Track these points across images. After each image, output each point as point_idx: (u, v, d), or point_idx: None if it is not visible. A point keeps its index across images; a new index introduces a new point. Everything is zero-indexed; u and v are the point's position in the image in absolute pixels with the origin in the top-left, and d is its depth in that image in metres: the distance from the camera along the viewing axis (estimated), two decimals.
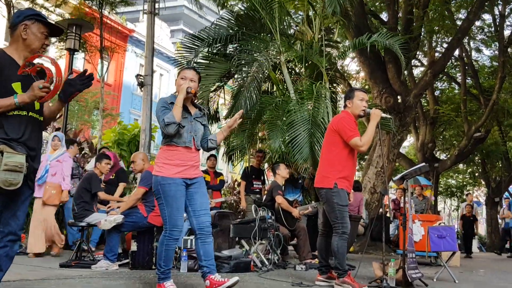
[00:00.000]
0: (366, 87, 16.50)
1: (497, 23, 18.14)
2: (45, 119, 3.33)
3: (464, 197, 24.91)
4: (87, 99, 21.17)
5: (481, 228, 21.25)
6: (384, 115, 5.37)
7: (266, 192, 8.71)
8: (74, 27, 10.31)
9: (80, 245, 6.54)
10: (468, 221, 14.28)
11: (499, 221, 17.59)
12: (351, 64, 21.46)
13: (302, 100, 8.93)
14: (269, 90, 10.88)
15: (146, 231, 6.12)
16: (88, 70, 3.25)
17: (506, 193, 23.27)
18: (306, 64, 9.90)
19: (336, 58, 10.99)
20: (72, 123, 20.16)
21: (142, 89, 10.28)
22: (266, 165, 11.41)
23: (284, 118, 8.76)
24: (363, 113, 5.22)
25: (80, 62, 24.38)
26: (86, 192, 6.65)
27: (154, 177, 4.12)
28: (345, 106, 5.34)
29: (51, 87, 3.00)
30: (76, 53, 10.70)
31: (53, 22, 3.93)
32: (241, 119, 4.37)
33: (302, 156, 8.29)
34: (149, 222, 6.03)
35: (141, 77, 10.14)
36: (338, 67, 15.20)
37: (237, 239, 7.44)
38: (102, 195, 6.92)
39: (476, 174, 28.37)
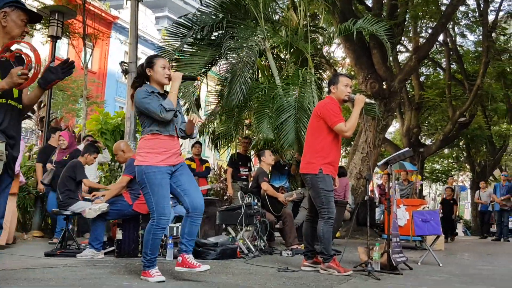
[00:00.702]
0: (352, 73, 16.52)
1: (481, 8, 18.20)
2: (24, 107, 3.29)
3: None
4: (72, 88, 20.95)
5: (467, 212, 21.43)
6: (368, 100, 5.37)
7: (252, 178, 8.72)
8: (57, 14, 10.18)
9: (65, 234, 6.50)
10: (449, 205, 14.31)
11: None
12: (337, 51, 21.42)
13: (288, 86, 8.92)
14: (255, 76, 10.84)
15: (131, 219, 6.10)
16: (70, 59, 3.21)
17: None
18: (291, 50, 9.88)
19: (322, 44, 10.97)
20: (57, 111, 19.96)
21: (127, 76, 10.19)
22: (252, 151, 11.40)
23: (270, 105, 8.75)
24: (347, 98, 5.23)
25: (64, 49, 24.13)
26: (71, 180, 6.59)
27: (137, 167, 4.10)
28: (329, 91, 5.34)
29: (30, 74, 2.96)
30: (59, 40, 10.56)
31: (33, 9, 3.87)
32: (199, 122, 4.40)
33: (288, 141, 8.30)
34: (135, 210, 6.01)
35: (125, 64, 10.04)
36: (324, 53, 15.20)
37: (223, 226, 7.45)
38: (87, 182, 6.87)
39: (461, 159, 28.63)
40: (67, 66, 3.17)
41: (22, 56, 3.10)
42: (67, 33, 14.39)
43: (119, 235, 6.10)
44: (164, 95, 4.22)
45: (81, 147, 8.89)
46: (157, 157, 4.08)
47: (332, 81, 5.33)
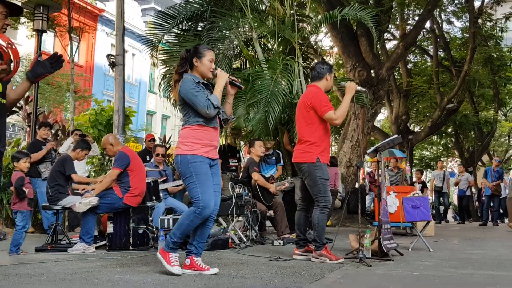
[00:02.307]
0: (340, 62, 16.54)
1: None
2: (10, 101, 3.25)
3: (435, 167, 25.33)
4: (59, 82, 20.76)
5: (456, 198, 21.59)
6: (359, 88, 5.39)
7: (242, 169, 8.71)
8: (42, 8, 10.07)
9: (56, 229, 6.48)
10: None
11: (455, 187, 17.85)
12: (325, 40, 21.43)
13: (268, 70, 8.90)
14: (243, 67, 10.81)
15: (122, 212, 6.08)
16: (58, 52, 3.17)
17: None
18: (279, 40, 9.85)
19: (309, 33, 10.95)
20: (45, 106, 19.80)
21: (114, 69, 10.12)
22: (242, 142, 11.39)
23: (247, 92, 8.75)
24: (337, 85, 5.27)
25: (50, 43, 23.90)
26: (60, 175, 6.55)
27: (181, 156, 4.02)
28: (320, 79, 5.29)
29: (11, 68, 2.91)
30: (45, 33, 10.46)
31: (17, 2, 3.81)
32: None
33: (254, 124, 8.33)
34: (125, 203, 5.99)
35: (112, 57, 9.98)
36: (312, 42, 15.19)
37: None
38: (76, 177, 6.83)
39: (450, 145, 28.81)
40: (56, 60, 3.14)
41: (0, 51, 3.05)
42: (53, 27, 14.25)
43: (110, 228, 6.09)
44: (208, 85, 4.19)
45: (69, 140, 8.87)
46: (202, 148, 4.06)
47: (326, 71, 5.36)
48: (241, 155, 10.15)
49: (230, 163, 9.51)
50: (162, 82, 10.09)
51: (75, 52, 14.86)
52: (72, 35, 13.92)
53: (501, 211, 15.75)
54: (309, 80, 10.59)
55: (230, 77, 4.31)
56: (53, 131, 11.16)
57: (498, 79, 20.65)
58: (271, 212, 7.58)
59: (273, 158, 9.20)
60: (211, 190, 4.05)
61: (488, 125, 23.39)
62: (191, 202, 4.05)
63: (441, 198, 16.44)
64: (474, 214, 18.37)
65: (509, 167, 30.52)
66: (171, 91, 9.58)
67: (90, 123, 11.14)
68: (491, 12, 19.95)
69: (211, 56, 4.22)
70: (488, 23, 20.28)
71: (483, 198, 16.97)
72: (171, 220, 6.61)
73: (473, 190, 17.81)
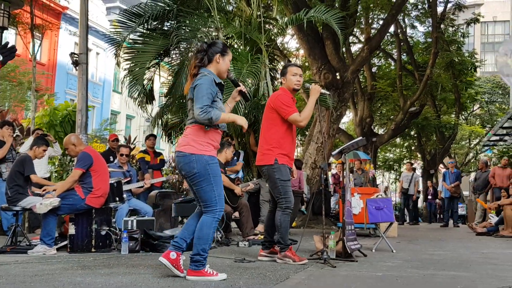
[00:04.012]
0: (306, 64, 16.65)
1: (430, 0, 18.62)
2: None
3: (402, 169, 25.73)
4: (20, 80, 20.28)
5: (419, 200, 22.08)
6: (323, 91, 5.42)
7: None
8: (3, 4, 9.80)
9: (15, 230, 6.31)
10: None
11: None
12: (291, 42, 21.56)
13: (236, 62, 8.90)
14: None
15: (84, 213, 5.96)
16: (9, 42, 3.09)
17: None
18: (246, 41, 9.86)
19: (275, 35, 10.99)
20: (5, 104, 19.31)
21: (77, 68, 9.93)
22: None
23: None
24: (297, 87, 5.25)
25: (11, 41, 23.33)
26: (20, 175, 6.39)
27: (197, 156, 3.86)
28: (281, 83, 5.37)
29: None
30: (6, 31, 10.18)
31: None
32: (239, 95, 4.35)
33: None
34: (87, 204, 5.87)
35: (76, 56, 9.78)
36: (278, 44, 15.24)
37: (179, 218, 7.39)
38: (34, 178, 6.66)
39: (413, 148, 29.36)
40: (8, 50, 3.06)
41: None
42: (14, 24, 13.91)
43: (71, 230, 5.96)
44: (223, 86, 4.09)
45: (30, 140, 8.66)
46: (213, 150, 3.97)
47: (282, 72, 5.37)
48: None
49: None
50: (124, 79, 9.96)
51: (37, 50, 14.55)
52: (34, 32, 13.63)
53: (464, 212, 16.05)
54: (276, 82, 10.66)
55: (243, 88, 4.27)
56: (17, 131, 10.89)
57: (459, 83, 21.16)
58: (237, 214, 7.57)
59: (234, 158, 9.19)
60: (223, 192, 4.01)
61: (449, 129, 23.93)
62: (203, 206, 3.94)
63: (407, 200, 16.72)
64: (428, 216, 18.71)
65: (470, 170, 31.28)
66: (135, 90, 9.48)
67: (45, 124, 10.88)
68: (453, 18, 20.45)
69: (231, 56, 4.18)
70: (450, 28, 20.79)
71: (430, 197, 17.36)
72: (134, 222, 6.53)
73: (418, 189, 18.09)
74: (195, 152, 3.87)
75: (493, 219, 11.20)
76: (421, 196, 22.82)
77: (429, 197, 16.92)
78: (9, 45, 3.05)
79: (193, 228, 3.97)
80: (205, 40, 9.19)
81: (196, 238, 3.89)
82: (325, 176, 9.87)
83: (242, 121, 4.06)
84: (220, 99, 4.02)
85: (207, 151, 3.90)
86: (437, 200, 19.07)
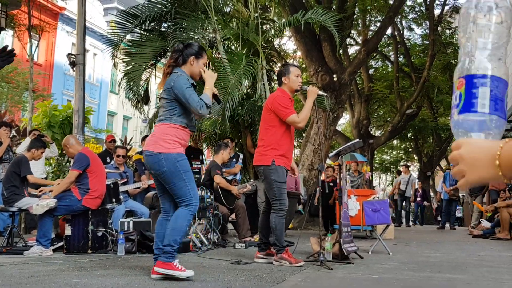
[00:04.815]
0: (303, 65, 16.65)
1: (428, 2, 18.66)
2: None
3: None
4: (18, 81, 20.22)
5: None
6: (320, 92, 5.42)
7: (204, 172, 8.67)
8: (0, 5, 9.81)
9: (11, 231, 6.30)
10: (329, 188, 11.53)
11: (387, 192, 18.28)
12: (288, 43, 21.60)
13: (231, 64, 8.92)
14: (207, 68, 10.76)
15: (80, 214, 5.95)
16: (8, 46, 3.08)
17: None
18: (243, 43, 9.86)
19: (273, 37, 11.00)
20: (2, 105, 19.26)
21: (74, 68, 9.92)
22: (204, 144, 11.34)
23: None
24: (299, 88, 5.27)
25: (8, 41, 23.29)
26: (16, 176, 6.38)
27: (166, 154, 3.89)
28: (281, 83, 5.34)
29: None
30: (3, 31, 10.19)
31: None
32: None
33: (214, 112, 8.38)
34: (84, 205, 5.87)
35: (73, 56, 9.78)
36: (275, 46, 15.26)
37: None
38: (32, 178, 6.66)
39: (409, 150, 29.39)
40: (6, 54, 3.05)
41: None
42: (12, 24, 13.90)
43: (68, 231, 5.95)
44: (195, 87, 4.13)
45: (27, 141, 8.64)
46: (181, 148, 4.01)
47: (284, 72, 5.33)
48: (204, 157, 10.10)
49: (193, 166, 9.43)
50: (122, 80, 9.96)
51: (35, 50, 14.53)
52: (31, 33, 13.61)
53: (461, 215, 16.08)
54: (273, 83, 10.67)
55: (215, 91, 4.28)
56: (14, 132, 10.86)
57: None
58: (233, 216, 7.57)
59: (233, 160, 9.19)
60: (195, 186, 4.04)
61: (446, 131, 23.97)
62: (179, 201, 3.96)
63: (404, 202, 16.76)
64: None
65: None
66: (132, 91, 9.47)
67: (44, 125, 10.84)
68: (450, 20, 20.49)
69: (205, 60, 4.23)
70: (447, 31, 20.82)
71: (419, 199, 17.37)
72: (131, 223, 6.53)
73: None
74: (163, 151, 3.91)
75: (483, 222, 11.23)
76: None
77: (418, 198, 16.93)
78: (8, 49, 3.03)
79: (163, 233, 3.99)
80: (202, 41, 9.22)
81: (169, 229, 3.92)
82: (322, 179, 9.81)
83: (213, 76, 4.20)
84: None
85: (175, 148, 3.95)
86: (425, 203, 19.08)
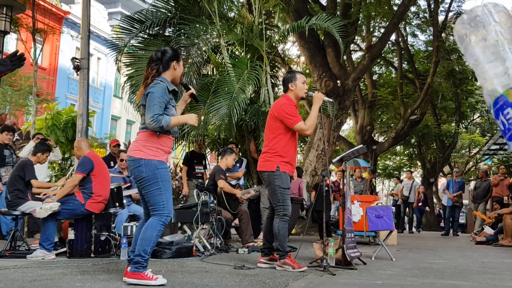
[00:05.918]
0: (307, 71, 16.68)
1: (432, 9, 18.68)
2: None
3: (403, 177, 25.64)
4: (22, 84, 20.28)
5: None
6: (326, 98, 5.43)
7: (208, 176, 8.68)
8: (5, 8, 9.82)
9: (15, 235, 6.30)
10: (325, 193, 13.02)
11: (390, 198, 18.23)
12: (292, 49, 21.63)
13: (235, 69, 8.94)
14: (211, 73, 10.79)
15: (83, 218, 5.96)
16: (19, 51, 3.11)
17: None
18: (247, 48, 9.88)
19: (277, 42, 11.02)
20: (5, 108, 19.31)
21: (78, 73, 9.95)
22: (208, 149, 11.35)
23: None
24: (305, 95, 5.29)
25: (13, 45, 23.39)
26: (20, 180, 6.38)
27: (147, 161, 3.91)
28: (287, 89, 5.33)
29: None
30: (8, 35, 10.21)
31: None
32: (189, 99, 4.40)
33: (219, 116, 8.38)
34: (87, 209, 5.87)
35: (77, 61, 9.79)
36: (279, 51, 15.28)
37: (179, 224, 7.37)
38: (36, 183, 6.66)
39: (413, 156, 29.33)
40: (17, 58, 3.08)
41: None
42: (16, 28, 13.96)
43: (71, 235, 5.96)
44: (176, 92, 4.15)
45: (30, 145, 8.66)
46: (164, 155, 4.01)
47: (291, 78, 5.32)
48: (207, 162, 10.11)
49: (196, 170, 9.45)
50: (125, 84, 9.98)
51: (39, 54, 14.58)
52: (36, 37, 13.64)
53: (463, 221, 16.03)
54: (276, 88, 10.68)
55: (193, 91, 4.36)
56: (17, 135, 10.89)
57: (460, 92, 21.18)
58: (237, 221, 7.56)
59: (237, 165, 9.20)
60: (171, 197, 4.04)
61: (449, 137, 23.93)
62: (151, 209, 3.97)
63: (407, 208, 16.72)
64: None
65: (470, 179, 31.25)
66: (135, 95, 9.49)
67: (47, 128, 10.86)
68: (454, 27, 20.46)
69: (181, 61, 4.26)
70: (451, 37, 20.80)
71: (420, 204, 17.28)
72: (134, 227, 6.52)
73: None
74: (144, 157, 3.93)
75: (486, 229, 11.21)
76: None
77: (420, 203, 16.85)
78: (18, 53, 3.06)
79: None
80: (204, 48, 9.24)
81: (139, 239, 3.92)
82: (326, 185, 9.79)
83: (192, 120, 4.16)
84: (173, 106, 4.09)
85: (157, 156, 3.96)
86: (427, 208, 19.00)
